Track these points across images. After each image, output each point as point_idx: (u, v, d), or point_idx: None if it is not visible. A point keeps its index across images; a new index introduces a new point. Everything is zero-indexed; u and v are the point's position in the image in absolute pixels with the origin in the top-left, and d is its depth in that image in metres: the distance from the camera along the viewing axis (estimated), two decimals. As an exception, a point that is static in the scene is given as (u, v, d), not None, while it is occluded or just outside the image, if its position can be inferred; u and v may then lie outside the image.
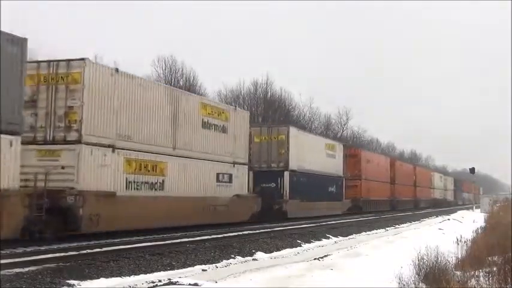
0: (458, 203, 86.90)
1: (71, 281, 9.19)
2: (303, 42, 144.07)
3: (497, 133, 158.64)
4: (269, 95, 58.02)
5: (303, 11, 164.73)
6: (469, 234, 15.07)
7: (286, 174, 26.90)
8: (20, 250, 11.68)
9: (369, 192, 41.19)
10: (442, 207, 65.30)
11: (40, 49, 23.96)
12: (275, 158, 27.03)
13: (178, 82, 49.63)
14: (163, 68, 50.19)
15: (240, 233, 18.45)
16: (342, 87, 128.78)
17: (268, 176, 26.44)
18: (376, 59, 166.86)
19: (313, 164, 30.08)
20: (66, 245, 12.81)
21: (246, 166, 23.55)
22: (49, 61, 15.15)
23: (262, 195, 24.79)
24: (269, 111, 54.48)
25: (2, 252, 10.94)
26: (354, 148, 44.51)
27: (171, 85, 41.84)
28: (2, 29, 11.80)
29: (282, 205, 26.59)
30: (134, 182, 16.29)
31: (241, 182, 22.93)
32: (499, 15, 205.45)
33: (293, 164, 27.50)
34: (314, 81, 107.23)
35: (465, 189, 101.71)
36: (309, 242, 18.13)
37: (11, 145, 11.63)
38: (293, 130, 28.51)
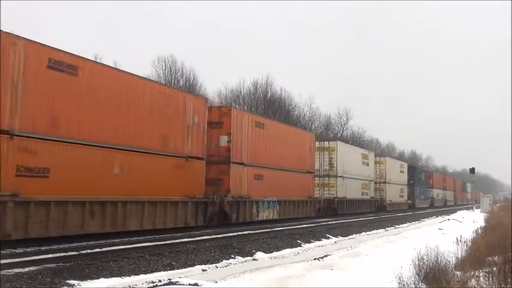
0: (417, 206, 54.33)
1: (71, 281, 9.19)
2: (303, 42, 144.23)
3: (497, 133, 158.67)
4: (269, 95, 58.09)
5: (303, 11, 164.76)
6: (469, 234, 15.06)
7: None
8: (20, 250, 11.66)
9: None
10: (361, 215, 34.88)
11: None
12: None
13: (178, 82, 49.66)
14: (163, 68, 50.23)
15: (240, 233, 18.44)
16: (342, 87, 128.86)
17: None
18: (376, 59, 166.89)
19: None
20: (66, 245, 12.80)
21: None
22: None
23: None
24: (269, 111, 54.46)
25: (2, 252, 10.94)
26: None
27: (171, 85, 41.88)
28: (2, 29, 11.80)
29: None
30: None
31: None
32: (499, 15, 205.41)
33: None
34: (314, 81, 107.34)
35: (436, 184, 68.07)
36: (309, 242, 18.14)
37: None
38: None
